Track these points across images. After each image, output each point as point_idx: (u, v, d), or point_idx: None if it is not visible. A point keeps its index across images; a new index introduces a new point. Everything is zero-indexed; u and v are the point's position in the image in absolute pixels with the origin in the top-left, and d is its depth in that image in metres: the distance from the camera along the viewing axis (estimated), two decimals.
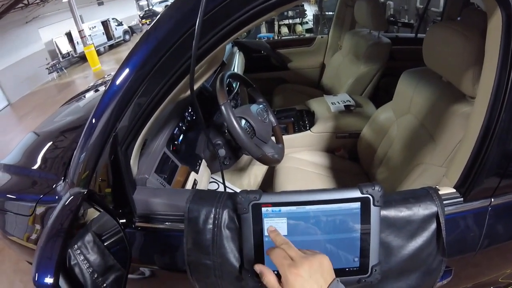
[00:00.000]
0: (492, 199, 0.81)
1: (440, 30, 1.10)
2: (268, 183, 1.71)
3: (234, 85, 1.78)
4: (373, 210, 0.63)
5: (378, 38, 2.11)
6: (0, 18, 10.36)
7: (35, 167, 1.28)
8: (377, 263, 0.66)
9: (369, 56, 2.09)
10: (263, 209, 0.64)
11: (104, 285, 0.71)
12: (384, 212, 0.69)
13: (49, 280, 0.53)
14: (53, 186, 1.07)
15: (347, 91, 2.16)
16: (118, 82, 0.73)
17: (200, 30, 0.63)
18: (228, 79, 1.54)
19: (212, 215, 0.72)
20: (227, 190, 1.33)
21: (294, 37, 6.97)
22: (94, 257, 0.72)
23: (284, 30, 8.58)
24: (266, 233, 0.64)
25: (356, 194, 0.62)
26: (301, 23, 8.73)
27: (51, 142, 1.41)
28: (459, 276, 0.93)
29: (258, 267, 0.57)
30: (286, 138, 1.73)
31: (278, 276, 0.53)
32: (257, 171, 1.74)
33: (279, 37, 7.89)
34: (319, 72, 2.79)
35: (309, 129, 1.77)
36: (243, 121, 1.21)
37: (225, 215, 0.71)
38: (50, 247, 0.58)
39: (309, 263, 0.50)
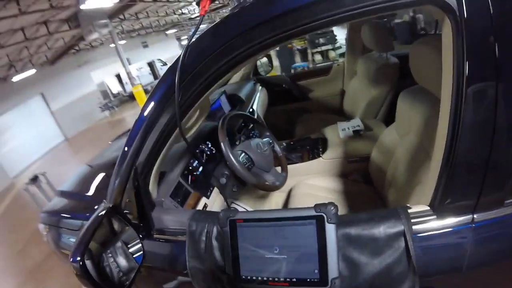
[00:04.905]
0: (475, 216, 0.75)
1: (419, 46, 1.11)
2: None
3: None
4: (328, 227, 0.69)
5: (386, 60, 2.12)
6: (55, 62, 11.70)
7: (88, 193, 1.51)
8: (337, 276, 0.70)
9: (377, 78, 2.10)
10: (238, 224, 0.77)
11: (127, 282, 0.92)
12: (346, 230, 0.73)
13: (77, 258, 0.82)
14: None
15: (361, 115, 2.18)
16: (145, 114, 0.92)
17: (179, 94, 0.84)
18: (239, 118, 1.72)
19: (205, 230, 0.87)
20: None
21: (310, 68, 7.10)
22: (121, 260, 0.94)
23: (318, 57, 8.56)
24: (241, 243, 0.77)
25: (311, 212, 0.70)
26: (334, 49, 8.78)
27: (104, 174, 1.64)
28: None
29: None
30: (299, 166, 1.82)
31: None
32: (278, 198, 1.83)
33: (313, 65, 8.00)
34: (340, 99, 2.82)
35: (321, 156, 1.81)
36: (242, 154, 1.35)
37: (214, 230, 0.86)
38: (81, 242, 0.85)
39: None
